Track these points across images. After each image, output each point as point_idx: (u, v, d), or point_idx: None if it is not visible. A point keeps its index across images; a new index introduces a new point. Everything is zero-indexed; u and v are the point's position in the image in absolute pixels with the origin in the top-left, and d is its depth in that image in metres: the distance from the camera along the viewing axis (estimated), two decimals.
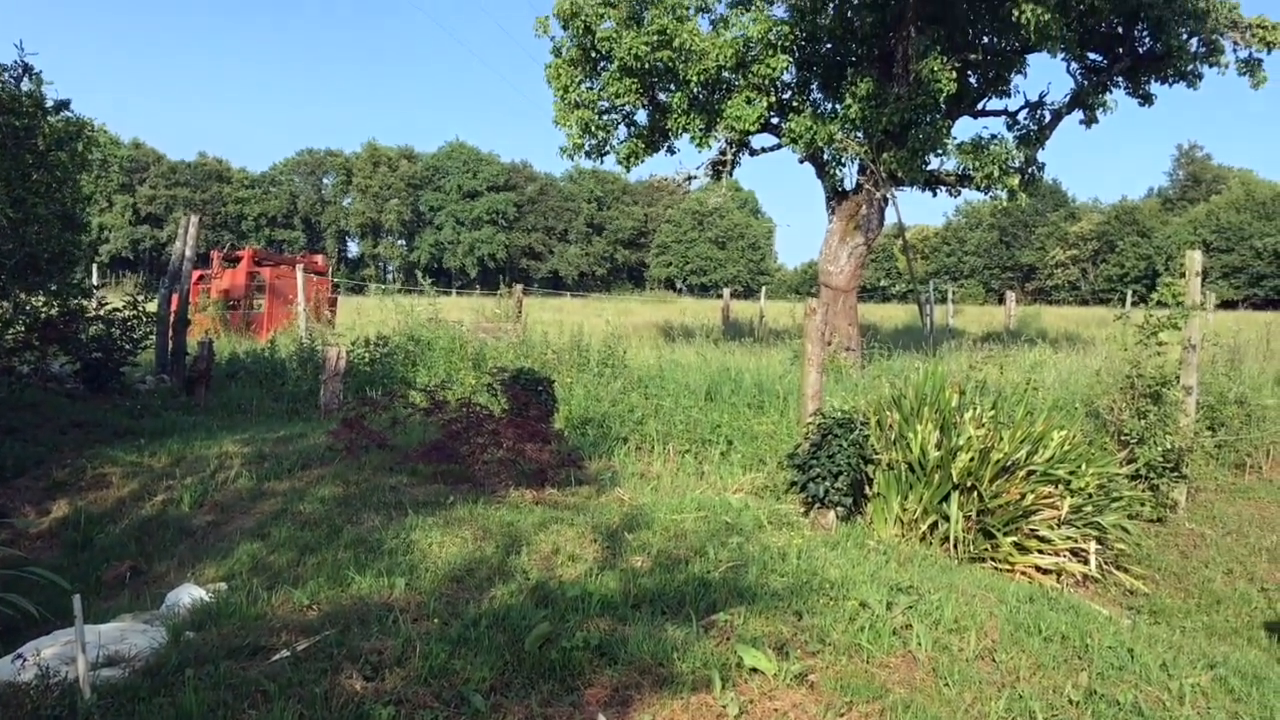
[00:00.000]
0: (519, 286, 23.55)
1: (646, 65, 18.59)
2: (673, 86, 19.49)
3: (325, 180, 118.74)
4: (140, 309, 13.35)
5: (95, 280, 14.07)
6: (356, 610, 5.07)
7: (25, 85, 10.37)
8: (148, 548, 7.45)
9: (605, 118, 20.84)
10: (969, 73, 19.84)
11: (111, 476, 8.98)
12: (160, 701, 4.03)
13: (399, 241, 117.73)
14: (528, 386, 10.22)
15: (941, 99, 17.58)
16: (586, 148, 21.09)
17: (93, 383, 12.77)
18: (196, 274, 21.43)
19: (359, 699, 4.04)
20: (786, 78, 19.83)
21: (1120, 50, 19.79)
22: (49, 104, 10.70)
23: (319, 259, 28.55)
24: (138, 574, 7.01)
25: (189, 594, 5.63)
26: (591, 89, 20.44)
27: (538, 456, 8.37)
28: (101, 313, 12.81)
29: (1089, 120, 20.12)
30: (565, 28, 19.66)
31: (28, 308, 11.16)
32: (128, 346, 13.17)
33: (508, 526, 6.79)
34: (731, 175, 21.78)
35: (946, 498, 8.28)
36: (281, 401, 13.69)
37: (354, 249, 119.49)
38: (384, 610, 5.04)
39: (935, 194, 20.96)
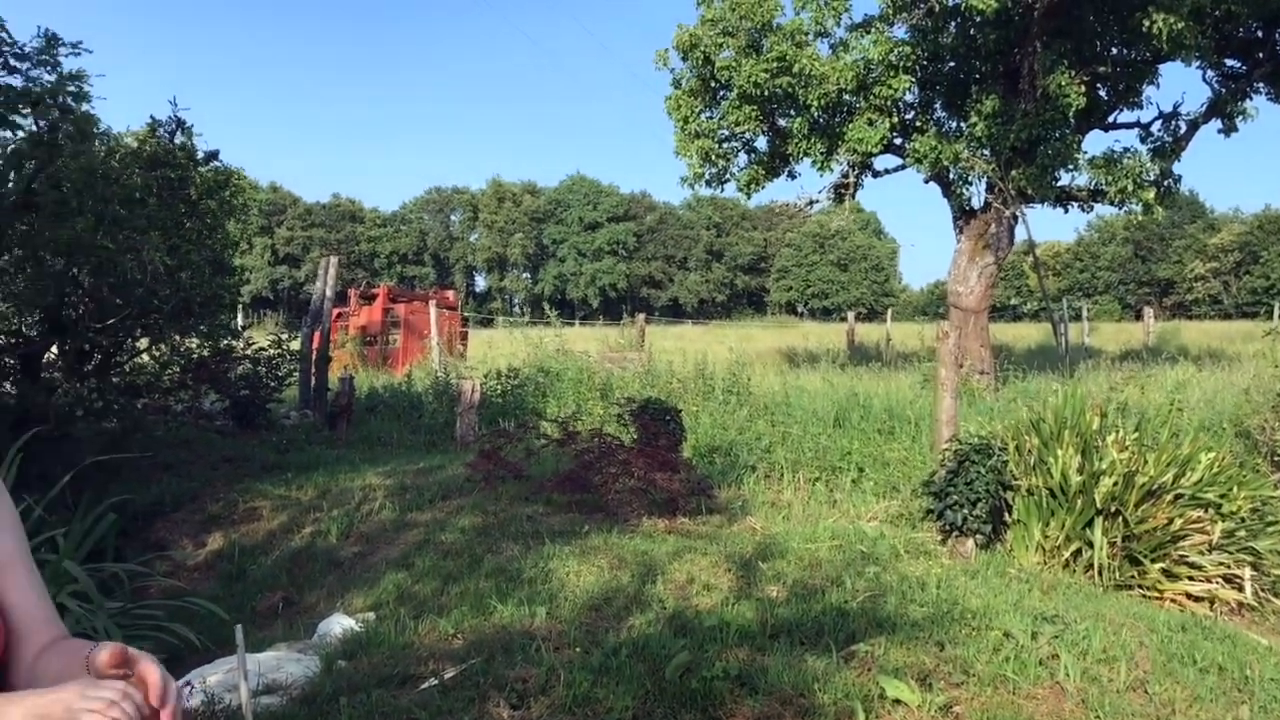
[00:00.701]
0: (641, 315, 23.75)
1: (766, 92, 18.63)
2: (793, 112, 19.47)
3: (453, 217, 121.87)
4: (284, 347, 13.88)
5: (240, 320, 14.67)
6: (500, 639, 5.18)
7: (178, 139, 10.94)
8: (298, 578, 7.74)
9: (725, 146, 20.93)
10: (1098, 85, 19.28)
11: (262, 509, 9.36)
12: None
13: (524, 274, 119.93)
14: (655, 416, 10.28)
15: (1070, 113, 17.15)
16: (707, 176, 21.24)
17: (241, 419, 13.32)
18: (335, 312, 22.26)
19: None
20: (909, 98, 19.67)
21: (1260, 55, 18.98)
22: (199, 155, 11.26)
23: (450, 294, 29.31)
24: (289, 604, 7.29)
25: (339, 623, 5.83)
26: (711, 118, 20.56)
27: (668, 485, 8.42)
28: (248, 352, 13.31)
29: (1228, 129, 19.25)
30: (684, 59, 19.87)
31: (182, 349, 11.71)
32: (273, 384, 13.69)
33: (642, 555, 6.85)
34: (854, 198, 21.60)
35: (1089, 523, 8.04)
36: (419, 434, 14.04)
37: (481, 283, 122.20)
38: (526, 639, 5.13)
39: (1066, 210, 20.37)
